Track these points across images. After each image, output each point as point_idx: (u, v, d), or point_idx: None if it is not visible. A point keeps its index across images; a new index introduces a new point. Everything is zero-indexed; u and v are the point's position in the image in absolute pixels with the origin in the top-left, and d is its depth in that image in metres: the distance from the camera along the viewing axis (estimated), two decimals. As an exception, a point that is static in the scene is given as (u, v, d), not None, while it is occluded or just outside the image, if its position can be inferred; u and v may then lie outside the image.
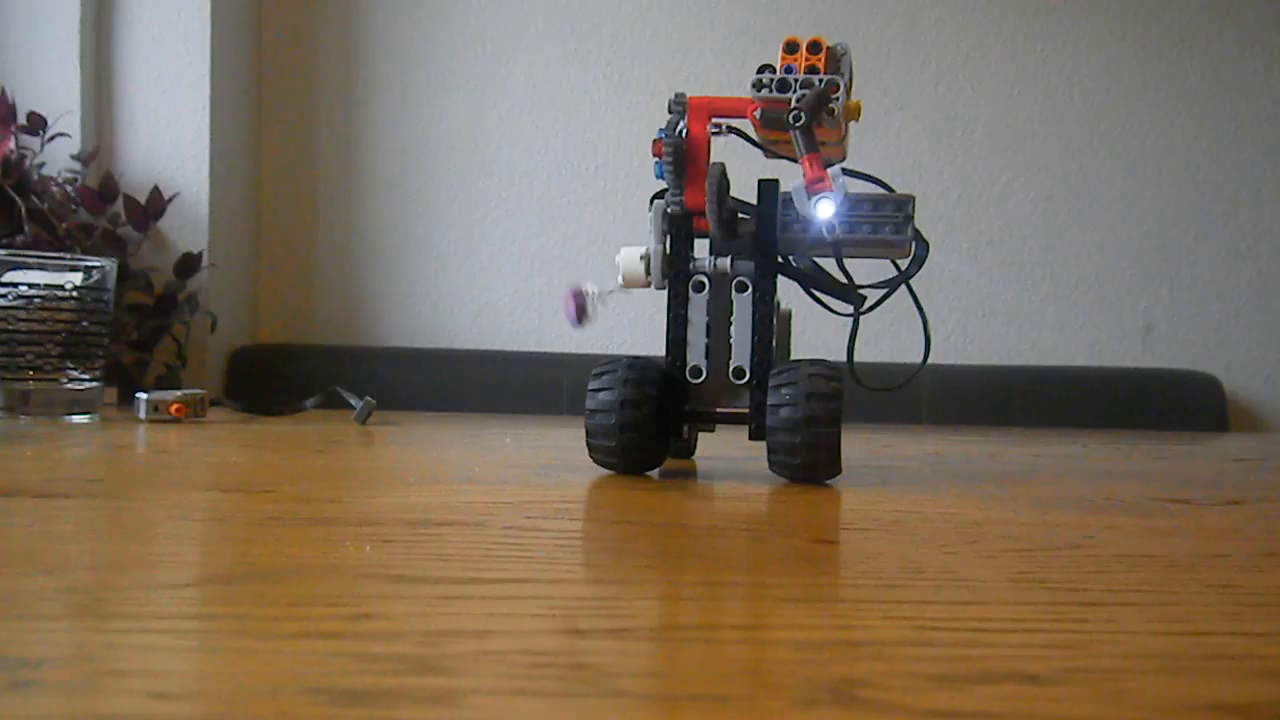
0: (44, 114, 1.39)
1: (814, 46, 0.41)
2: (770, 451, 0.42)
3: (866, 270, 0.45)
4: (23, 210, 1.27)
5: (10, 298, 0.73)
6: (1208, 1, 1.62)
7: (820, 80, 0.41)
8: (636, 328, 1.67)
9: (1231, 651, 0.18)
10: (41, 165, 1.37)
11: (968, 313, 1.70)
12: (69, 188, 1.40)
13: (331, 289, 1.74)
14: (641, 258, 0.46)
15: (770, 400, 0.42)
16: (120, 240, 1.42)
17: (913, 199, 0.44)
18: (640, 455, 0.44)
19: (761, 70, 0.42)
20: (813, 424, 0.41)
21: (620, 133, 1.70)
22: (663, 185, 0.46)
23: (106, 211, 1.41)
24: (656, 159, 0.44)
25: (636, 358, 0.45)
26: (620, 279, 0.46)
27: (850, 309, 0.45)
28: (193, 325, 1.46)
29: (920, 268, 0.45)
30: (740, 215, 0.45)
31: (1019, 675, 0.16)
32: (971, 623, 0.20)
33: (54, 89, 1.48)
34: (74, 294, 0.75)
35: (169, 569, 0.23)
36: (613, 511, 0.35)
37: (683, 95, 0.43)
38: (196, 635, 0.18)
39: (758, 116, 0.41)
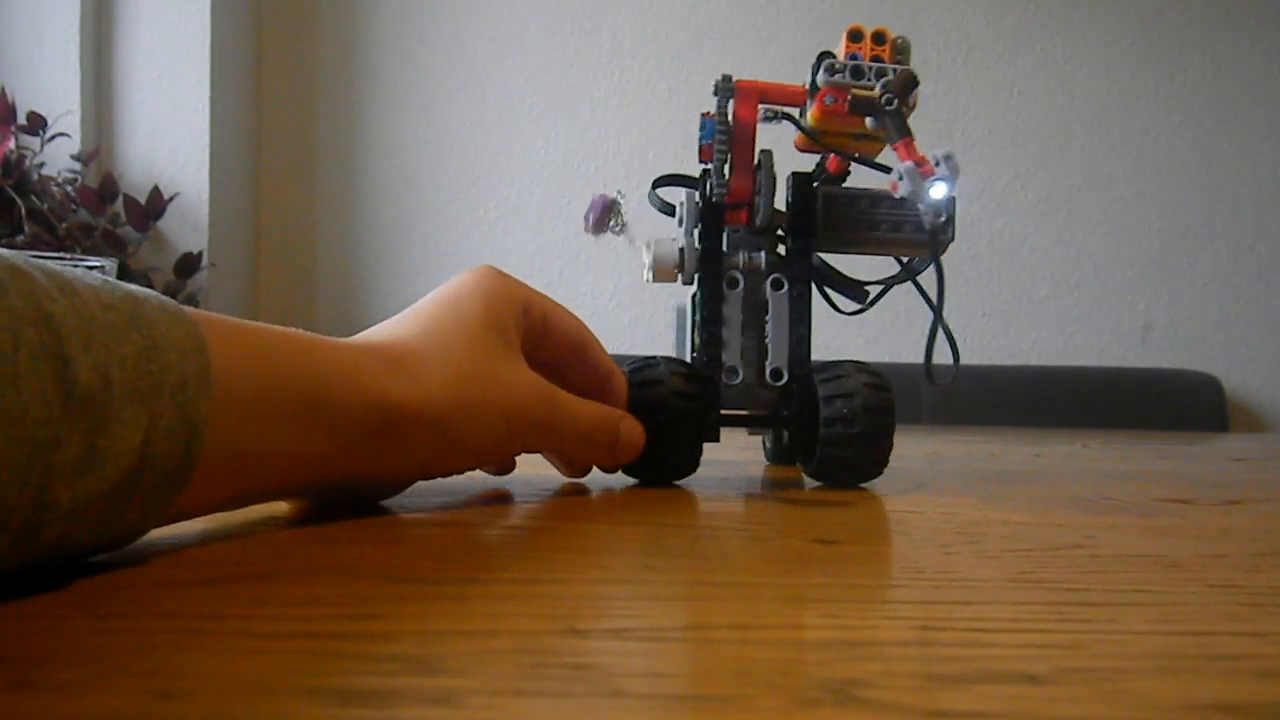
0: (44, 114, 1.39)
1: (878, 37, 0.40)
2: (818, 461, 0.41)
3: (870, 266, 0.45)
4: (23, 210, 1.27)
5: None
6: (1208, 2, 1.62)
7: (894, 69, 0.39)
8: (636, 328, 1.67)
9: (1231, 651, 0.18)
10: (41, 165, 1.37)
11: (968, 313, 1.70)
12: (69, 188, 1.40)
13: (331, 289, 1.74)
14: (680, 249, 0.43)
15: (825, 412, 0.40)
16: (120, 240, 1.42)
17: (953, 198, 0.42)
18: (678, 462, 0.42)
19: (824, 57, 0.40)
20: (870, 440, 0.40)
21: (620, 133, 1.70)
22: (661, 173, 0.44)
23: (106, 211, 1.41)
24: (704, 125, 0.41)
25: (669, 359, 0.42)
26: (650, 270, 0.43)
27: (854, 304, 0.45)
28: (193, 325, 1.46)
29: (927, 267, 0.44)
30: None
31: (1019, 675, 0.16)
32: (971, 623, 0.20)
33: (54, 89, 1.48)
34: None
35: (169, 569, 0.23)
36: (613, 512, 0.35)
37: (730, 78, 0.41)
38: (196, 635, 0.18)
39: (829, 102, 0.39)
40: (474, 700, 0.15)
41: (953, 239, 0.42)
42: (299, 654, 0.17)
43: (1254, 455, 0.76)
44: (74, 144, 1.46)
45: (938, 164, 0.37)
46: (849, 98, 0.38)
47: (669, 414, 0.40)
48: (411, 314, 0.35)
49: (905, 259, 0.44)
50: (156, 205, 1.45)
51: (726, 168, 0.41)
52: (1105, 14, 1.63)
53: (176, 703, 0.14)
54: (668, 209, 0.46)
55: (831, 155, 0.43)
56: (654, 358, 0.42)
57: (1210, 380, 1.56)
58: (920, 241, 0.42)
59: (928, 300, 0.45)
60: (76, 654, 0.17)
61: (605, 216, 0.44)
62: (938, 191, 0.37)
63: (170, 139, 1.55)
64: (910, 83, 0.38)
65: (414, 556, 0.26)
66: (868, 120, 0.39)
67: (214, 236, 1.56)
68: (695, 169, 0.44)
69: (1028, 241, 1.59)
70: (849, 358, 0.43)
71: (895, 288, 0.44)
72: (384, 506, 0.34)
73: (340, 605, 0.21)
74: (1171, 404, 1.51)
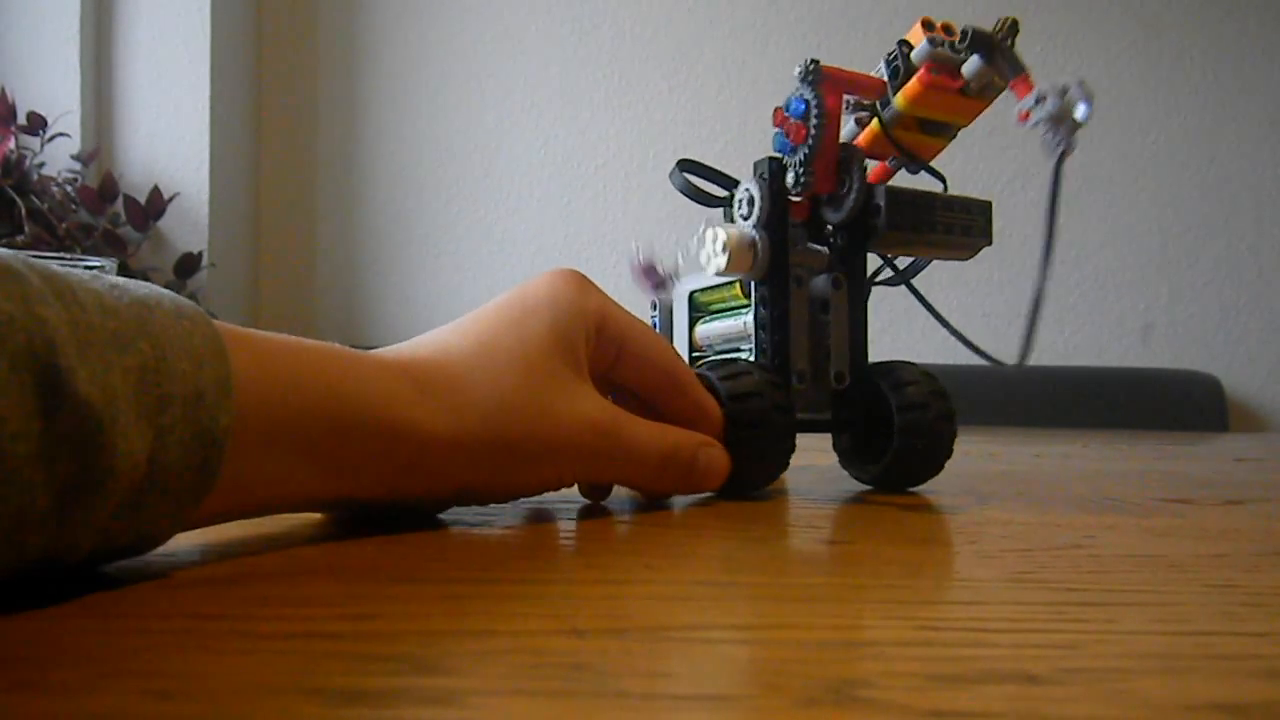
0: (44, 114, 1.39)
1: (947, 29, 0.39)
2: (885, 469, 0.40)
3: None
4: (23, 210, 1.27)
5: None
6: (1208, 2, 1.62)
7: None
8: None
9: (1231, 651, 0.18)
10: (41, 165, 1.37)
11: (967, 313, 1.70)
12: (69, 188, 1.40)
13: (331, 289, 1.74)
14: (753, 240, 0.40)
15: (899, 423, 0.39)
16: (120, 240, 1.42)
17: (990, 204, 0.42)
18: (771, 479, 0.40)
19: (903, 44, 0.39)
20: (940, 450, 0.40)
21: (620, 133, 1.70)
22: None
23: (106, 211, 1.41)
24: (778, 129, 0.39)
25: (752, 364, 0.40)
26: (723, 259, 0.40)
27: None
28: (193, 325, 1.46)
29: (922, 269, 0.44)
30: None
31: (1019, 675, 0.16)
32: (971, 623, 0.20)
33: (54, 89, 1.48)
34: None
35: (169, 569, 0.23)
36: (613, 512, 0.35)
37: (817, 63, 0.38)
38: (196, 635, 0.18)
39: (934, 74, 0.37)
40: (474, 700, 0.15)
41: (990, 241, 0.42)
42: (299, 654, 0.17)
43: (1254, 455, 0.76)
44: (74, 144, 1.46)
45: (1065, 91, 0.35)
46: (964, 42, 0.36)
47: (771, 430, 0.37)
48: (472, 324, 0.32)
49: (893, 259, 0.44)
50: (156, 205, 1.45)
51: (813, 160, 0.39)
52: (1105, 14, 1.63)
53: (176, 703, 0.14)
54: (697, 194, 0.44)
55: (878, 164, 0.42)
56: (736, 361, 0.39)
57: (1210, 380, 1.56)
58: (965, 245, 0.41)
59: (923, 301, 0.45)
60: (76, 654, 0.17)
61: (662, 281, 0.42)
62: (1080, 112, 0.34)
63: (170, 139, 1.55)
64: (1016, 24, 0.37)
65: (414, 556, 0.26)
66: (969, 70, 0.37)
67: (214, 236, 1.56)
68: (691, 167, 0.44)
69: (1028, 242, 1.59)
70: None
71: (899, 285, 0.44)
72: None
73: (340, 605, 0.21)
74: (1171, 404, 1.51)
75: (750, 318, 0.42)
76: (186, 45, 1.55)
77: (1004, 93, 0.38)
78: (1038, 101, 0.35)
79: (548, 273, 0.34)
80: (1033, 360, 0.39)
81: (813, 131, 0.38)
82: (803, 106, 0.39)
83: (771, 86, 1.64)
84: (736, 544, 0.29)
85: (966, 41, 0.37)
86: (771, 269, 0.40)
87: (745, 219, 0.41)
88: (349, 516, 0.31)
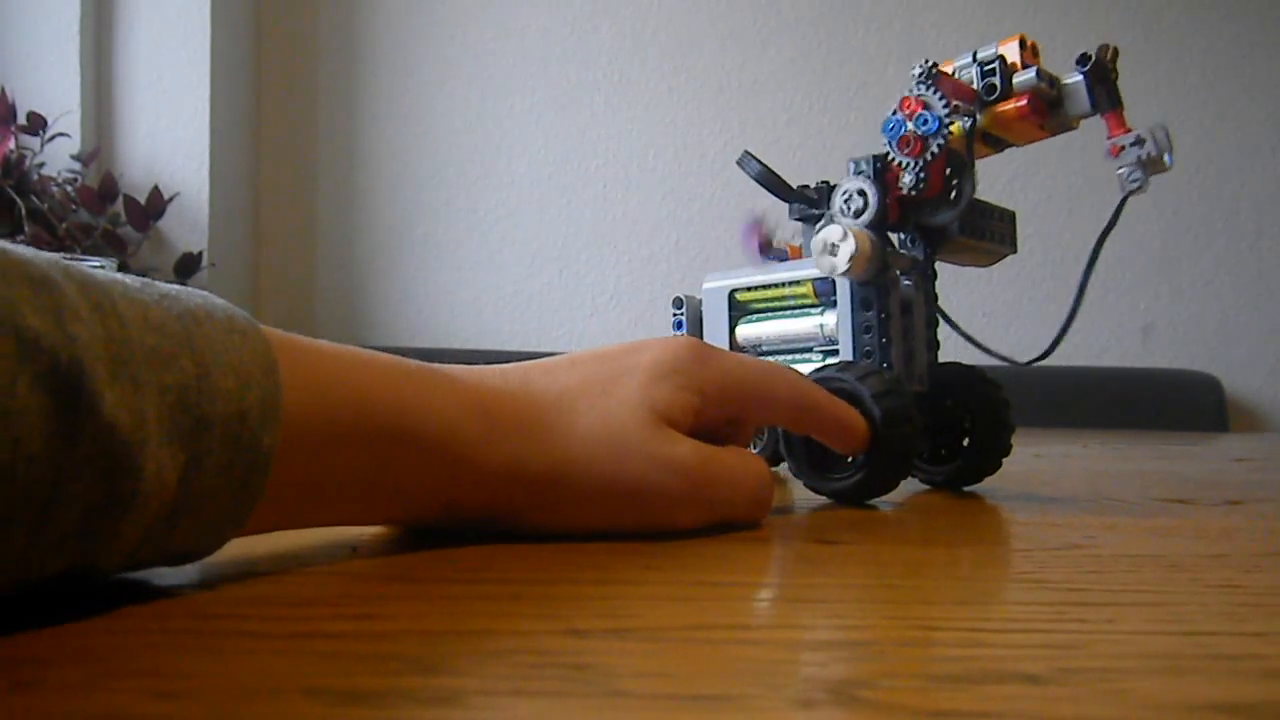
0: (44, 114, 1.39)
1: (1034, 49, 0.40)
2: (954, 474, 0.42)
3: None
4: (23, 210, 1.27)
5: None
6: (1208, 2, 1.62)
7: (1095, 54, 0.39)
8: (636, 328, 1.67)
9: (1231, 651, 0.18)
10: (41, 165, 1.37)
11: (967, 313, 1.70)
12: (69, 188, 1.40)
13: (331, 289, 1.74)
14: (874, 243, 0.40)
15: (980, 429, 0.41)
16: (120, 240, 1.42)
17: (1014, 214, 0.43)
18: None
19: (999, 61, 0.39)
20: (998, 451, 0.42)
21: (620, 133, 1.70)
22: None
23: (106, 211, 1.41)
24: (898, 115, 0.39)
25: (901, 381, 0.40)
26: (849, 261, 0.39)
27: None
28: (193, 325, 1.46)
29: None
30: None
31: (1019, 675, 0.16)
32: (971, 623, 0.20)
33: (54, 89, 1.48)
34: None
35: (169, 569, 0.23)
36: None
37: (935, 65, 0.38)
38: (196, 635, 0.18)
39: (1031, 106, 0.38)
40: (474, 700, 0.15)
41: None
42: (299, 654, 0.17)
43: (1254, 455, 0.76)
44: (74, 144, 1.46)
45: (1159, 136, 0.37)
46: (1099, 60, 0.37)
47: (916, 425, 0.37)
48: (562, 367, 0.30)
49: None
50: (156, 205, 1.45)
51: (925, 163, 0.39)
52: (1105, 14, 1.63)
53: (176, 703, 0.14)
54: (772, 180, 0.43)
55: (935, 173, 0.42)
56: (853, 364, 0.38)
57: (1210, 380, 1.56)
58: (1000, 253, 0.43)
59: (940, 311, 0.45)
60: (76, 654, 0.17)
61: (767, 238, 0.41)
62: (1168, 159, 0.37)
63: (170, 139, 1.55)
64: (1117, 52, 0.38)
65: (414, 556, 0.26)
66: (1071, 111, 0.39)
67: (214, 236, 1.55)
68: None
69: (1028, 242, 1.58)
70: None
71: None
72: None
73: (340, 605, 0.21)
74: (1171, 404, 1.51)
75: (827, 319, 0.42)
76: (186, 45, 1.55)
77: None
78: (1135, 143, 0.36)
79: (662, 339, 0.32)
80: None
81: (935, 148, 0.38)
82: (936, 125, 0.38)
83: (771, 86, 1.64)
84: (736, 544, 0.29)
85: (1086, 66, 0.38)
86: (880, 270, 0.40)
87: (856, 216, 0.40)
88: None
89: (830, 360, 0.41)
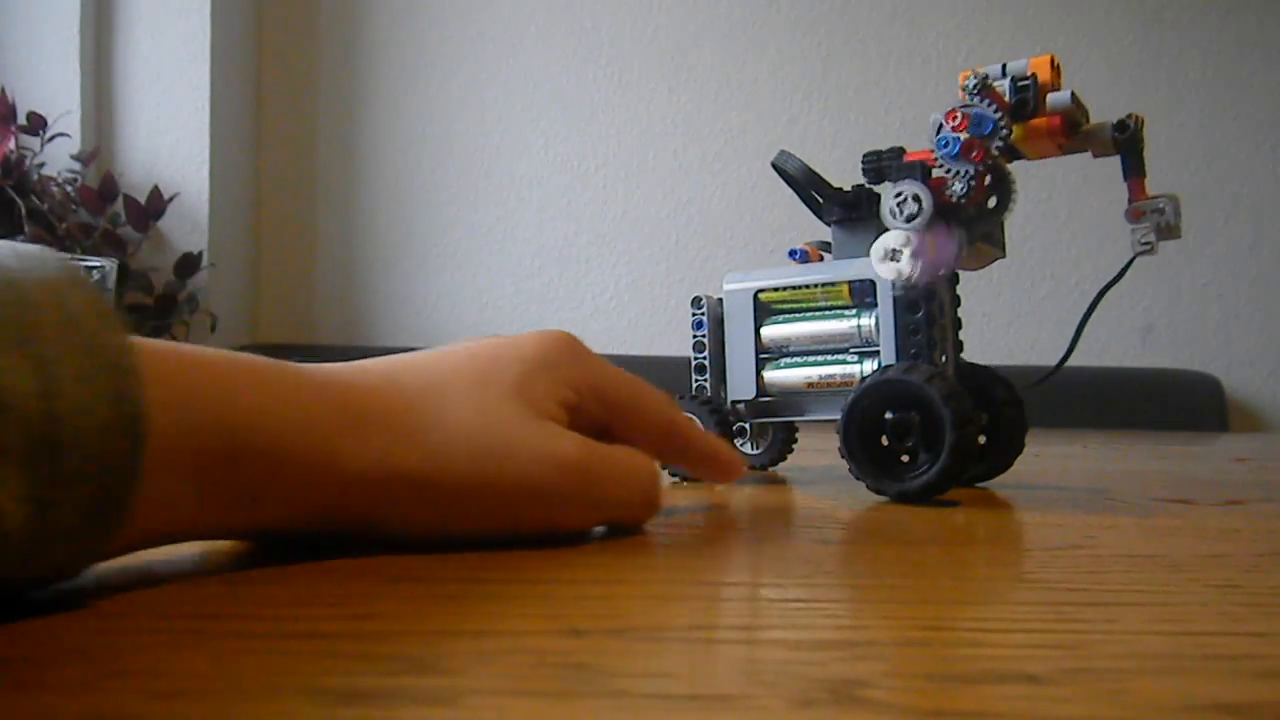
0: (44, 114, 1.39)
1: (1059, 68, 0.41)
2: (972, 475, 0.44)
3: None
4: (23, 210, 1.27)
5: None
6: (1208, 2, 1.62)
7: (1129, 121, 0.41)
8: (637, 328, 1.67)
9: (1231, 651, 0.18)
10: (41, 165, 1.37)
11: (967, 313, 1.70)
12: (69, 188, 1.40)
13: (331, 289, 1.74)
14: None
15: (997, 428, 0.43)
16: (120, 240, 1.42)
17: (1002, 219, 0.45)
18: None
19: (1033, 78, 0.40)
20: (1013, 449, 0.44)
21: (620, 133, 1.70)
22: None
23: (106, 211, 1.41)
24: (950, 131, 0.39)
25: (960, 387, 0.39)
26: (929, 268, 0.39)
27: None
28: (193, 325, 1.46)
29: None
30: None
31: (1019, 675, 0.16)
32: (971, 623, 0.20)
33: (54, 89, 1.48)
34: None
35: (167, 569, 0.23)
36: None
37: (987, 76, 0.39)
38: (196, 635, 0.18)
39: (1062, 127, 0.39)
40: (474, 700, 0.15)
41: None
42: (299, 654, 0.17)
43: (1254, 455, 0.76)
44: (74, 144, 1.46)
45: (1175, 206, 0.41)
46: (1135, 132, 0.41)
47: (977, 423, 0.38)
48: (428, 359, 0.29)
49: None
50: (156, 205, 1.45)
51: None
52: (1105, 14, 1.63)
53: (176, 703, 0.14)
54: (811, 179, 0.44)
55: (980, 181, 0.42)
56: (954, 381, 0.38)
57: (1210, 380, 1.56)
58: (996, 257, 0.44)
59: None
60: (76, 654, 0.17)
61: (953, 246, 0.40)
62: (1179, 229, 0.41)
63: (170, 139, 1.55)
64: (1143, 122, 0.41)
65: (414, 556, 0.26)
66: (1093, 145, 0.41)
67: (214, 236, 1.55)
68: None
69: (1028, 242, 1.59)
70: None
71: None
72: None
73: (340, 605, 0.21)
74: (1171, 404, 1.51)
75: (865, 320, 0.42)
76: (186, 45, 1.55)
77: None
78: (1156, 210, 0.40)
79: (536, 332, 0.30)
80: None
81: (997, 146, 0.39)
82: (991, 125, 0.38)
83: (772, 86, 1.64)
84: (737, 544, 0.29)
85: (1123, 135, 0.40)
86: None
87: (910, 220, 0.40)
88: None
89: (868, 364, 0.42)
